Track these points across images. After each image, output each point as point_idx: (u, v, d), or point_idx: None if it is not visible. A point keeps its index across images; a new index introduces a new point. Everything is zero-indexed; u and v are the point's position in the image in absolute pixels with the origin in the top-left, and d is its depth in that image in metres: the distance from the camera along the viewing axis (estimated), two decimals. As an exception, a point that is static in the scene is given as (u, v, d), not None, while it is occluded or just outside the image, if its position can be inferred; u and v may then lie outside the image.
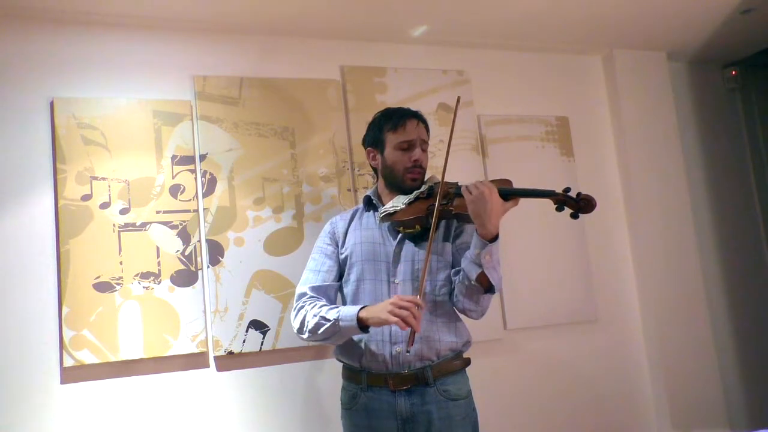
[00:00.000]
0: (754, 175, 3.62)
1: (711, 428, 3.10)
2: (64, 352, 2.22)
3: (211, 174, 2.53)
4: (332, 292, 1.97)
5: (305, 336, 1.88)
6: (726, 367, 3.30)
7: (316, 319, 1.83)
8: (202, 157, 2.53)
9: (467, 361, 1.93)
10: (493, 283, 1.77)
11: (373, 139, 2.01)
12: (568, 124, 3.19)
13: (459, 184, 1.91)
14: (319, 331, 1.82)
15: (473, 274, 1.75)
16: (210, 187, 2.52)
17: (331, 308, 1.84)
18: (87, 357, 2.24)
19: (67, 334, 2.23)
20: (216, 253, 2.47)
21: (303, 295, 1.94)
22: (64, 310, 2.24)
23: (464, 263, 1.79)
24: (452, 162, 2.87)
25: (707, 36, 3.28)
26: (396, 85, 2.86)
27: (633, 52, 3.32)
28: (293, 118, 2.68)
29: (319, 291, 1.94)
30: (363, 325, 1.75)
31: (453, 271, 1.90)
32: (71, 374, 2.24)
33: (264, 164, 2.60)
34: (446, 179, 1.89)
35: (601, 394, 3.02)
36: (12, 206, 2.28)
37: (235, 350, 2.43)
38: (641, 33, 3.17)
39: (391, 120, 1.97)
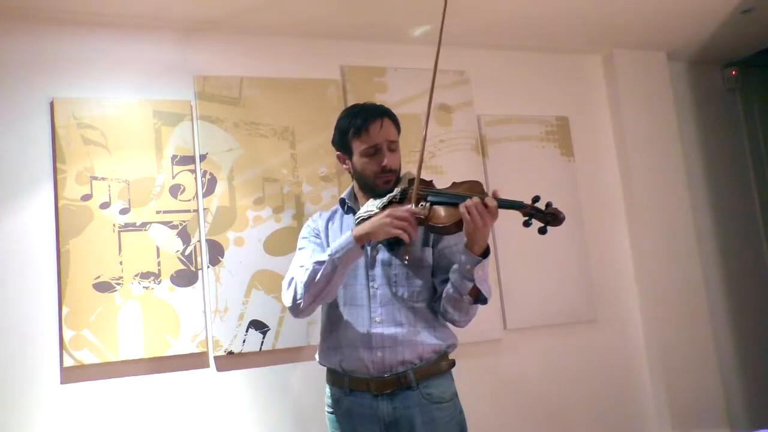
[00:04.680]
0: (754, 175, 3.62)
1: (711, 428, 3.10)
2: (64, 352, 2.22)
3: (211, 174, 2.53)
4: None
5: (301, 300, 1.78)
6: (726, 367, 3.30)
7: (309, 271, 1.76)
8: (202, 157, 2.53)
9: (452, 363, 1.88)
10: (486, 295, 1.76)
11: (340, 144, 1.93)
12: (568, 124, 3.19)
13: (432, 181, 1.87)
14: (317, 278, 1.74)
15: (465, 289, 1.73)
16: (210, 187, 2.52)
17: (323, 252, 1.80)
18: (87, 357, 2.24)
19: (67, 334, 2.23)
20: (216, 253, 2.47)
21: (292, 277, 1.87)
22: (64, 310, 2.25)
23: (454, 278, 1.76)
24: (452, 162, 2.90)
25: (707, 36, 3.28)
26: (396, 85, 2.86)
27: (633, 52, 3.32)
28: (293, 118, 2.68)
29: None
30: (361, 243, 1.72)
31: (439, 280, 1.86)
32: (71, 374, 2.24)
33: (264, 164, 2.60)
34: (435, 177, 1.82)
35: (600, 394, 3.02)
36: (12, 206, 2.28)
37: (235, 350, 2.43)
38: (641, 33, 3.17)
39: (354, 125, 1.86)
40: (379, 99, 2.80)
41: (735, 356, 3.37)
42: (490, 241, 2.84)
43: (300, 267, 1.85)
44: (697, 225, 3.34)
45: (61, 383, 2.23)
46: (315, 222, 2.02)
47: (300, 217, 2.60)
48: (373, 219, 1.73)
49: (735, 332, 3.41)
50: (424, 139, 1.86)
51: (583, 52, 3.31)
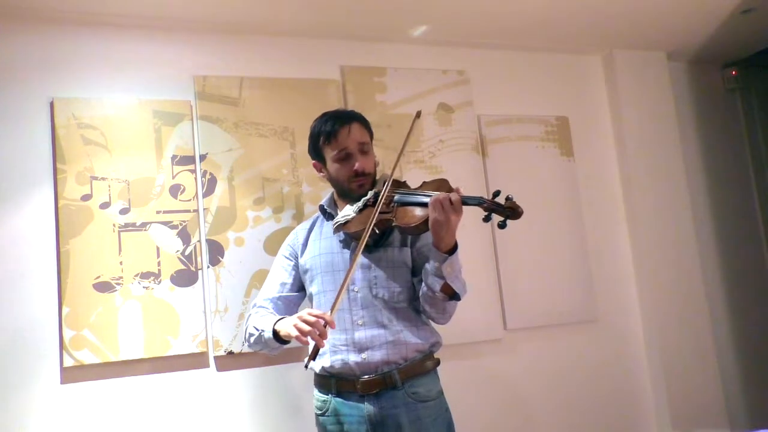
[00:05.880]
0: (754, 175, 3.62)
1: (711, 428, 3.10)
2: (64, 352, 2.22)
3: (211, 174, 2.53)
4: (282, 303, 1.98)
5: (248, 347, 1.94)
6: (726, 367, 3.30)
7: (250, 330, 1.91)
8: (202, 157, 2.53)
9: (437, 362, 1.90)
10: (457, 291, 1.76)
11: (314, 152, 1.97)
12: (568, 124, 3.19)
13: (406, 182, 1.91)
14: (252, 341, 1.91)
15: (437, 286, 1.74)
16: (210, 187, 2.52)
17: (266, 318, 1.88)
18: (87, 357, 2.24)
19: (67, 334, 2.23)
20: (216, 253, 2.47)
21: (254, 306, 1.99)
22: (64, 310, 2.25)
23: (425, 276, 1.78)
24: (452, 162, 2.90)
25: (707, 36, 3.28)
26: (396, 85, 2.86)
27: (633, 52, 3.31)
28: (293, 118, 2.67)
29: (272, 302, 1.97)
30: (277, 337, 1.80)
31: (418, 279, 1.86)
32: (71, 374, 2.24)
33: (264, 164, 2.60)
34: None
35: (601, 394, 3.02)
36: (12, 206, 2.28)
37: (235, 350, 2.43)
38: (641, 33, 3.17)
39: (323, 132, 1.91)
40: (379, 99, 2.81)
41: (735, 356, 3.37)
42: (490, 241, 2.87)
43: (257, 310, 1.96)
44: (697, 225, 3.34)
45: (61, 383, 2.23)
46: (296, 236, 2.06)
47: (300, 217, 2.60)
48: (291, 317, 1.76)
49: (735, 332, 3.40)
50: (400, 153, 1.88)
51: (583, 52, 3.31)
